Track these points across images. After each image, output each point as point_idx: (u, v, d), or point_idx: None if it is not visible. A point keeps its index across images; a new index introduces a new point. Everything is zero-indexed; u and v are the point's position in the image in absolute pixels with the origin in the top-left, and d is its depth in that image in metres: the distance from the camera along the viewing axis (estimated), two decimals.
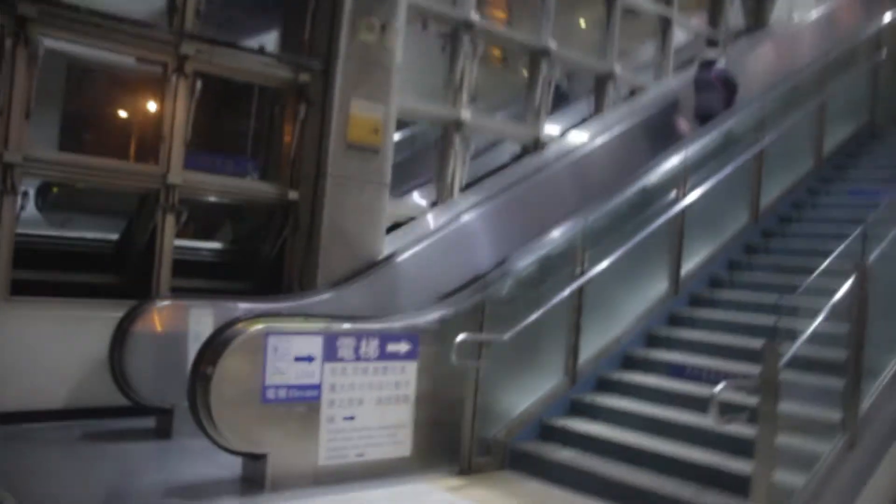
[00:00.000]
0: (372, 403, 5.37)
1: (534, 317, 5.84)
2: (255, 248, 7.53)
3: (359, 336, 5.28)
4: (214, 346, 4.77)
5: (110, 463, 5.35)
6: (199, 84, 6.68)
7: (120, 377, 5.83)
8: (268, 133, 7.83)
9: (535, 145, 9.24)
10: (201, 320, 6.03)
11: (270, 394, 4.87)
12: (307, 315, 5.24)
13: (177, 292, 6.67)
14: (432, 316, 5.76)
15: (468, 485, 5.27)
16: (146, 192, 6.67)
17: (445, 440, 5.68)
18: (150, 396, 5.90)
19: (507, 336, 5.62)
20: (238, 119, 8.16)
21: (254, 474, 4.95)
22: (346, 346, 5.22)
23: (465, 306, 5.84)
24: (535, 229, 7.35)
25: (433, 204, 8.41)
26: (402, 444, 5.53)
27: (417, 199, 8.64)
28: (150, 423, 6.03)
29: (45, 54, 6.07)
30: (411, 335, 5.56)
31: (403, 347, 5.53)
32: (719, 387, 3.95)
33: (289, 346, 4.95)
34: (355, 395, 5.28)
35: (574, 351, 6.33)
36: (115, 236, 7.30)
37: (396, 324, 5.57)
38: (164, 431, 5.93)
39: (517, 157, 9.44)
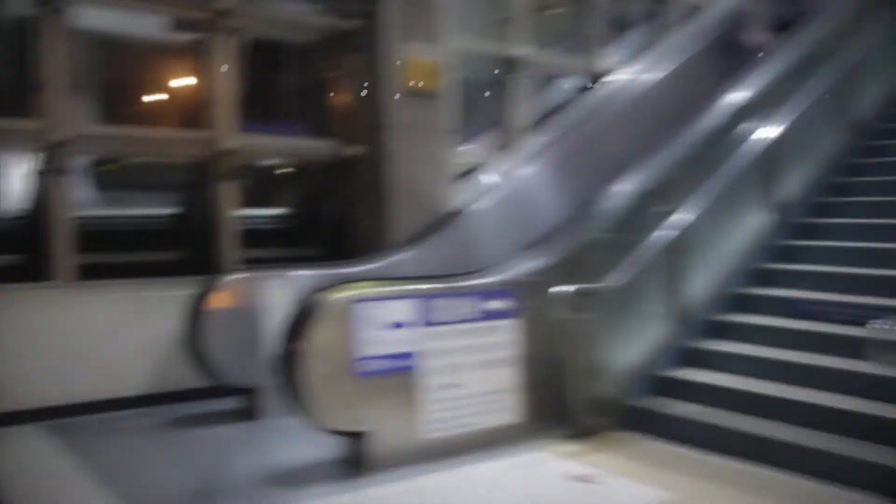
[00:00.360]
0: (473, 368, 4.93)
1: (645, 260, 5.34)
2: (318, 211, 7.10)
3: (454, 296, 4.83)
4: (300, 320, 4.35)
5: (201, 449, 5.03)
6: (242, 42, 6.20)
7: (198, 358, 5.47)
8: (320, 88, 7.32)
9: (595, 79, 8.63)
10: (276, 292, 5.63)
11: (364, 366, 4.45)
12: (393, 278, 4.79)
13: (242, 264, 6.28)
14: (530, 267, 5.27)
15: (586, 449, 4.82)
16: (200, 161, 6.25)
17: (553, 402, 5.19)
18: (231, 376, 5.53)
19: (622, 284, 5.13)
20: (287, 76, 7.66)
21: (353, 454, 4.55)
22: (441, 308, 4.77)
23: (563, 254, 5.35)
24: (607, 170, 6.84)
25: (495, 151, 7.90)
26: (508, 411, 5.09)
27: (476, 147, 8.07)
28: (231, 404, 5.69)
29: (79, 30, 5.64)
30: (510, 290, 5.08)
31: (503, 304, 5.06)
32: (876, 323, 3.41)
33: (380, 313, 4.52)
34: (455, 361, 4.84)
35: (680, 294, 5.80)
36: (171, 211, 6.90)
37: (493, 279, 5.09)
38: (248, 412, 5.58)
39: (577, 95, 8.86)
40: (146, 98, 7.00)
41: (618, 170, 6.20)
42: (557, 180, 7.42)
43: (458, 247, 6.59)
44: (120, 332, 5.59)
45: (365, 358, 4.45)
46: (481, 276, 5.12)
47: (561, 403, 5.13)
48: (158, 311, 5.79)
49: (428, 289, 4.76)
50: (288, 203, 7.59)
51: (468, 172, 7.41)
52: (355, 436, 4.48)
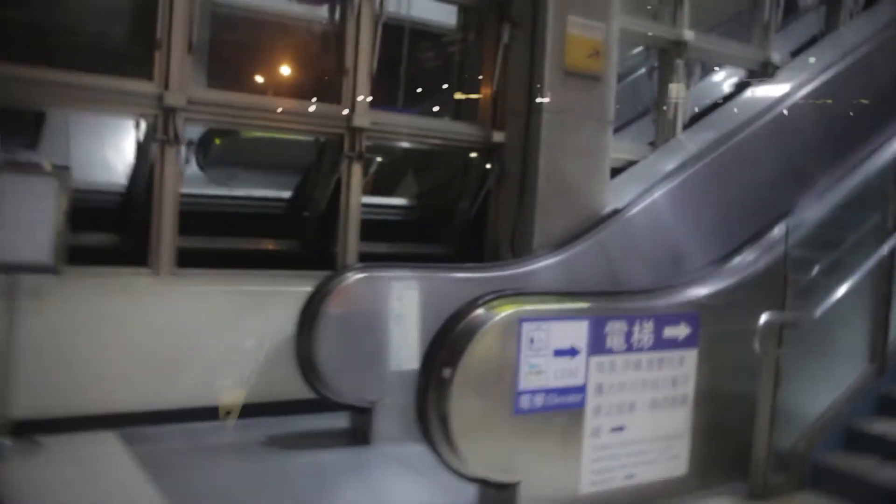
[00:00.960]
0: (644, 408, 4.00)
1: (847, 286, 4.34)
2: (450, 203, 6.23)
3: (631, 319, 3.90)
4: (452, 340, 3.48)
5: (302, 482, 4.20)
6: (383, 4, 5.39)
7: (308, 366, 4.68)
8: (463, 63, 6.46)
9: (766, 70, 7.51)
10: (405, 296, 4.81)
11: (525, 402, 3.56)
12: (564, 293, 3.90)
13: (364, 260, 5.48)
14: (711, 287, 4.29)
15: None
16: (327, 138, 5.47)
17: (727, 451, 4.34)
18: (345, 391, 4.73)
19: (817, 314, 4.15)
20: (428, 51, 6.84)
21: None
22: (615, 333, 3.85)
23: (753, 272, 4.37)
24: (780, 176, 5.82)
25: (652, 144, 6.91)
26: (677, 460, 4.16)
27: (626, 142, 7.07)
28: (341, 422, 4.90)
29: None
30: (691, 314, 4.13)
31: (682, 331, 4.11)
32: None
33: (548, 336, 3.62)
34: (625, 399, 3.92)
35: (883, 329, 4.76)
36: (288, 194, 6.15)
37: (673, 299, 4.14)
38: (361, 434, 4.78)
39: (741, 87, 7.76)
40: (274, 68, 6.24)
41: (791, 176, 5.17)
42: (726, 183, 6.36)
43: (614, 254, 5.63)
44: (220, 331, 4.84)
45: (526, 391, 3.56)
46: (660, 295, 4.16)
47: (738, 453, 4.23)
48: (265, 309, 5.04)
49: (604, 308, 3.84)
50: (414, 193, 6.76)
51: (618, 170, 6.43)
52: (501, 487, 3.61)
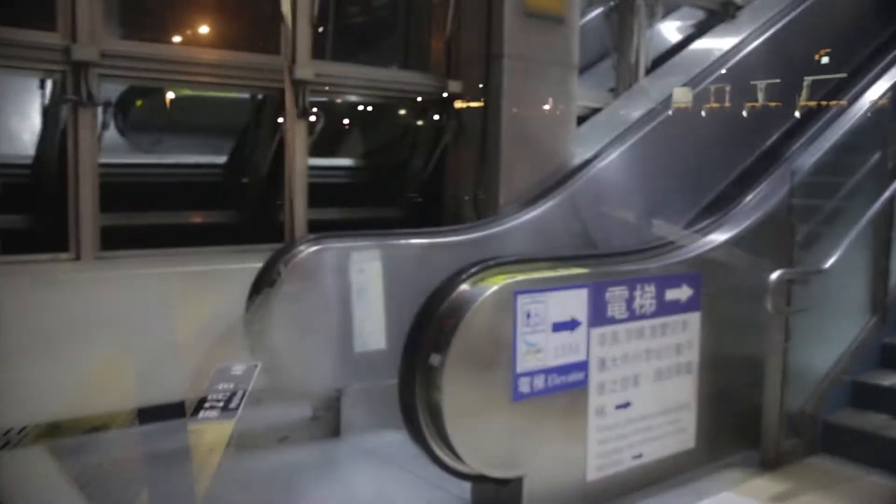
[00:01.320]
0: (649, 380, 3.59)
1: (852, 235, 4.00)
2: (403, 162, 5.67)
3: (631, 283, 3.45)
4: (438, 321, 2.98)
5: (267, 485, 3.66)
6: None
7: (262, 354, 4.09)
8: (412, 6, 5.85)
9: (727, 10, 7.10)
10: (366, 268, 4.27)
11: (524, 385, 3.10)
12: (557, 258, 3.42)
13: (312, 229, 4.91)
14: (709, 242, 3.88)
15: (791, 489, 3.51)
16: (265, 94, 4.85)
17: (735, 419, 3.95)
18: (306, 378, 4.18)
19: (826, 266, 3.80)
20: None
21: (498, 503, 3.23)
22: (616, 301, 3.40)
23: (753, 224, 3.98)
24: (756, 120, 5.48)
25: (613, 91, 6.46)
26: (684, 433, 3.78)
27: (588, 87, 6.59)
28: (304, 413, 4.36)
29: None
30: (693, 275, 3.71)
31: (684, 293, 3.70)
32: None
33: (546, 309, 3.15)
34: (629, 372, 3.50)
35: (884, 278, 4.46)
36: (223, 159, 5.50)
37: (672, 258, 3.71)
38: (328, 425, 4.25)
39: (699, 31, 7.34)
40: (202, 16, 5.51)
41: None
42: (702, 132, 5.95)
43: (584, 212, 5.17)
44: (155, 321, 4.19)
45: (524, 373, 3.08)
46: (658, 255, 3.74)
47: (744, 421, 3.86)
48: (207, 292, 4.39)
49: (603, 273, 3.38)
50: (361, 153, 6.17)
51: (581, 120, 5.96)
52: (501, 482, 3.15)
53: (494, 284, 3.02)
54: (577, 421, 3.32)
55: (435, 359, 2.90)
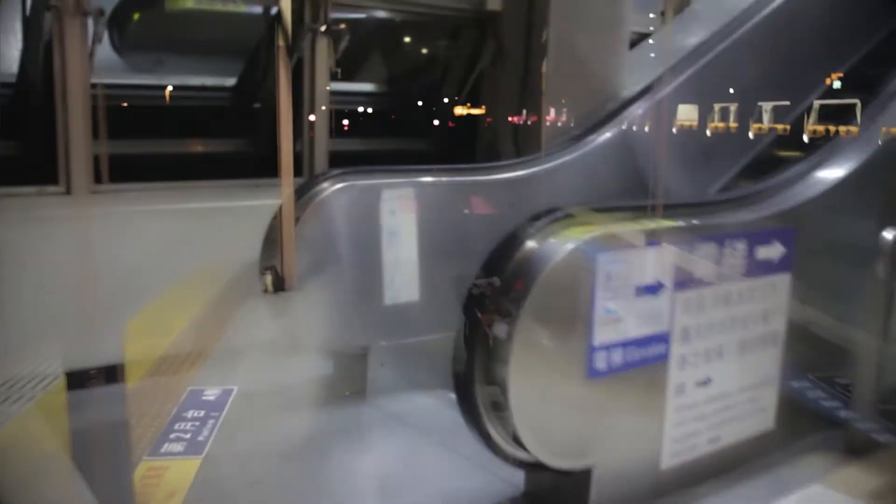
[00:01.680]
0: (732, 353, 3.08)
1: None
2: (432, 90, 5.07)
3: (721, 239, 2.92)
4: (505, 284, 2.44)
5: (286, 458, 3.18)
6: None
7: (280, 307, 3.61)
8: None
9: None
10: (397, 207, 3.74)
11: (600, 360, 2.59)
12: (635, 206, 2.88)
13: (333, 162, 4.37)
14: (807, 193, 3.34)
15: (890, 483, 3.07)
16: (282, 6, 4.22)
17: (815, 396, 3.48)
18: (328, 332, 3.69)
19: None
20: None
21: (558, 495, 2.77)
22: (705, 260, 2.87)
23: (853, 172, 3.43)
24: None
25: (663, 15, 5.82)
26: (764, 413, 3.30)
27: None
28: (325, 370, 3.88)
29: None
30: (786, 230, 3.17)
31: (776, 252, 3.15)
32: None
33: (628, 270, 2.62)
34: (712, 343, 2.99)
35: None
36: (231, 82, 4.90)
37: (765, 210, 3.18)
38: (353, 384, 3.78)
39: None
40: None
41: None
42: (754, 66, 5.32)
43: (638, 150, 4.60)
44: (157, 264, 3.68)
45: (603, 346, 2.58)
46: (749, 206, 3.19)
47: (825, 400, 3.38)
48: (214, 232, 3.90)
49: (691, 227, 2.85)
50: (388, 77, 5.54)
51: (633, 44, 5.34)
52: (565, 473, 2.68)
53: (570, 241, 2.49)
54: (654, 401, 2.82)
55: (501, 329, 2.38)
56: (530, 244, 2.50)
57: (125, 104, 4.64)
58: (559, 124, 4.52)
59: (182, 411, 3.39)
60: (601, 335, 2.56)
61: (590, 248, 2.49)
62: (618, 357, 2.63)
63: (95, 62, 3.91)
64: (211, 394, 3.59)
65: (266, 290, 3.45)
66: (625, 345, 2.64)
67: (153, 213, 3.88)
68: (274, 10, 4.42)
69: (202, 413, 3.38)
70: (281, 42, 3.36)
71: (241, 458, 3.06)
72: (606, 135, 4.56)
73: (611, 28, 4.72)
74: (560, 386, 2.52)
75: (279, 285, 3.46)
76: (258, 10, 4.60)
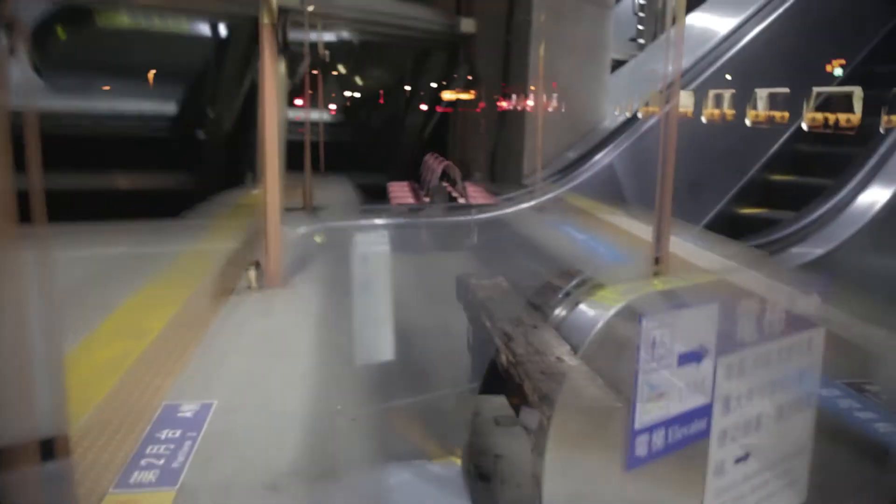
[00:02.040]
0: (770, 422, 2.66)
1: None
2: (395, 120, 4.62)
3: (756, 293, 2.51)
4: (534, 362, 1.98)
5: None
6: None
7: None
8: None
9: None
10: (374, 249, 3.27)
11: (642, 446, 2.15)
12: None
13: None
14: (838, 235, 2.98)
15: None
16: (234, 24, 3.74)
17: (850, 461, 3.09)
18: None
19: None
20: None
21: None
22: (747, 316, 2.46)
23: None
24: None
25: (634, 41, 5.50)
26: (796, 485, 2.87)
27: None
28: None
29: None
30: (821, 277, 2.79)
31: (811, 303, 2.76)
32: None
33: (672, 335, 2.18)
34: (752, 412, 2.56)
35: None
36: (172, 109, 4.35)
37: (801, 258, 2.80)
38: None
39: None
40: None
41: None
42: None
43: (625, 181, 4.21)
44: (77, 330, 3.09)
45: (646, 429, 2.13)
46: (784, 252, 2.81)
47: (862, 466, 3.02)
48: (151, 283, 3.34)
49: (734, 282, 2.44)
50: (349, 105, 5.06)
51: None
52: None
53: (610, 304, 2.04)
54: (692, 486, 2.38)
55: (530, 418, 1.91)
56: (557, 312, 2.05)
57: (45, 132, 4.05)
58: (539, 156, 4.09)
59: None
60: (643, 416, 2.12)
61: (630, 315, 2.05)
62: (659, 440, 2.22)
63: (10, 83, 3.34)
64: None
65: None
66: (667, 424, 2.21)
67: (81, 260, 3.29)
68: (224, 31, 3.93)
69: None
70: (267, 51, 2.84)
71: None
72: (594, 167, 4.17)
73: (592, 54, 4.37)
74: (597, 480, 2.06)
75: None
76: (205, 31, 4.08)
